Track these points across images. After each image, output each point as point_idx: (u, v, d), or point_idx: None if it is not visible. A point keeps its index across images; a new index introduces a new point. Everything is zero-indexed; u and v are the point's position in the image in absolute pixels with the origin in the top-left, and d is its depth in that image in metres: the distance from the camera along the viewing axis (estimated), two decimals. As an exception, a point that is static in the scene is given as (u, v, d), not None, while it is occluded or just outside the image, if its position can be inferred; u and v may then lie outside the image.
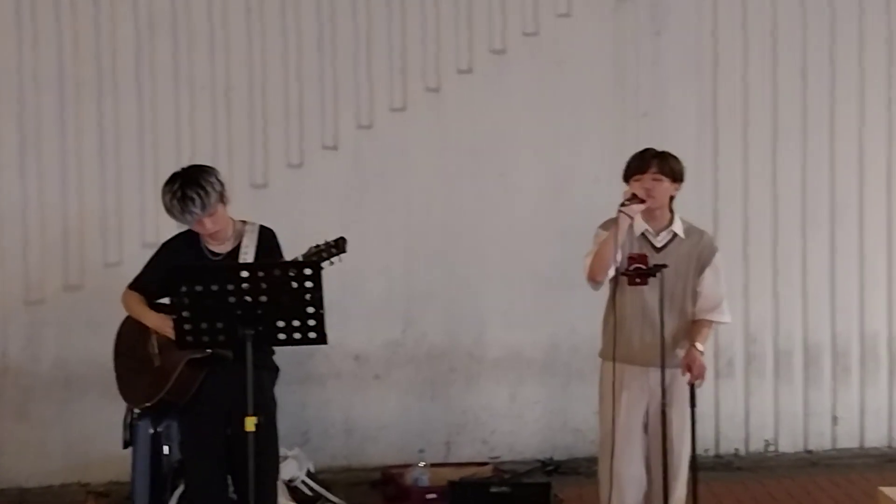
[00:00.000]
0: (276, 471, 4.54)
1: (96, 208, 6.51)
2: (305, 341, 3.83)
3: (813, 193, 7.00)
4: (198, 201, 4.04)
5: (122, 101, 6.51)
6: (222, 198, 4.15)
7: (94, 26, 6.43)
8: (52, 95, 6.43)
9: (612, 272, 4.43)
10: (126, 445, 5.29)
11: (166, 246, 4.36)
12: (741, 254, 6.89)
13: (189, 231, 4.31)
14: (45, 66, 6.42)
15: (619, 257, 4.40)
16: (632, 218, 4.39)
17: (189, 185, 4.06)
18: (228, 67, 6.59)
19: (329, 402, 6.66)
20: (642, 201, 4.37)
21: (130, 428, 5.30)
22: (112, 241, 6.51)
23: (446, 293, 6.73)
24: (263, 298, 3.75)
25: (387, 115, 6.69)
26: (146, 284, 4.28)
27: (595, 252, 4.44)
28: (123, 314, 4.51)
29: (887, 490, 4.55)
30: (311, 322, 3.81)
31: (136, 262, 4.56)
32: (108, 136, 6.51)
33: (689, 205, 4.70)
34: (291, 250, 4.25)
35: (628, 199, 4.35)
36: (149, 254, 4.54)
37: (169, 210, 4.10)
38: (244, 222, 4.30)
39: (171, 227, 4.85)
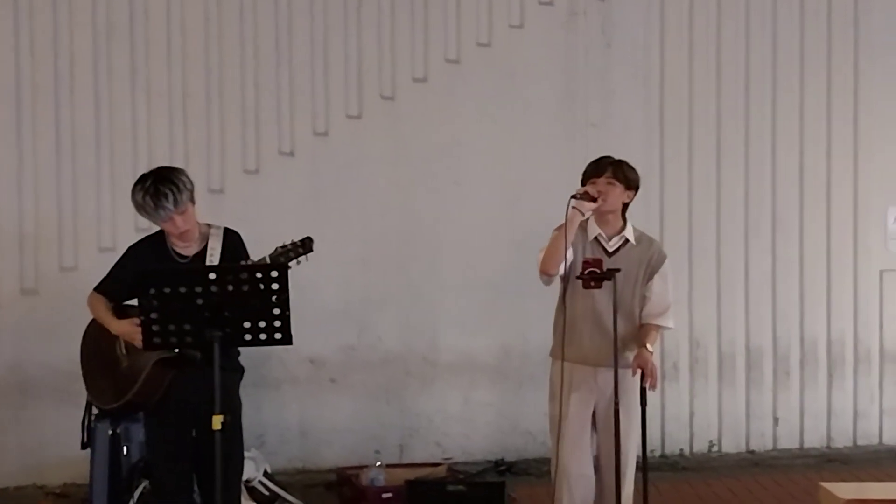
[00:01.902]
0: (241, 471, 4.59)
1: (52, 213, 6.50)
2: (271, 341, 3.89)
3: (755, 203, 7.21)
4: (171, 197, 4.07)
5: (78, 107, 6.51)
6: (192, 197, 4.20)
7: (52, 31, 6.45)
8: (8, 100, 6.42)
9: (562, 269, 4.55)
10: (84, 446, 5.32)
11: (133, 249, 4.36)
12: (686, 261, 7.07)
13: (155, 234, 4.33)
14: (2, 70, 6.41)
15: (569, 256, 4.53)
16: (584, 215, 4.50)
17: (162, 182, 4.09)
18: (185, 74, 6.63)
19: (285, 405, 6.71)
20: (594, 199, 4.51)
21: (89, 429, 5.34)
22: (68, 246, 6.50)
23: (401, 299, 6.83)
24: (231, 300, 3.80)
25: (343, 123, 6.78)
26: (113, 287, 4.29)
27: (547, 245, 4.57)
28: (80, 318, 4.51)
29: (828, 485, 4.73)
30: (277, 323, 3.86)
31: (92, 266, 4.56)
32: (65, 142, 6.51)
33: (636, 213, 4.84)
34: (251, 255, 4.30)
35: (580, 194, 4.48)
36: (105, 258, 4.54)
37: (141, 207, 4.12)
38: (209, 225, 4.34)
39: (128, 233, 4.87)
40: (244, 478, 5.68)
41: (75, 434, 5.48)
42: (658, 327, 4.73)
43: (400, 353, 6.84)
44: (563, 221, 4.49)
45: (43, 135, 6.49)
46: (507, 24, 6.93)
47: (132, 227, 5.97)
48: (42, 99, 6.48)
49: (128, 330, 4.13)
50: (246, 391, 5.94)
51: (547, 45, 6.98)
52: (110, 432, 5.43)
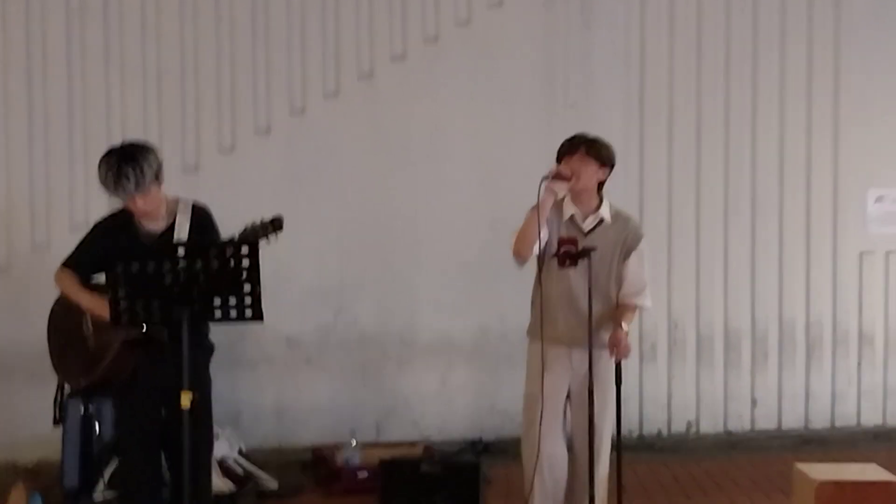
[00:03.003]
0: (211, 448, 4.55)
1: (24, 190, 6.45)
2: (242, 319, 3.83)
3: (735, 185, 7.20)
4: (132, 178, 3.99)
5: (51, 82, 6.46)
6: (158, 177, 4.12)
7: (25, 7, 6.37)
8: (-21, 77, 6.37)
9: (537, 250, 4.52)
10: (56, 423, 5.27)
11: (100, 224, 4.30)
12: (665, 242, 7.06)
13: (123, 210, 4.27)
14: (-27, 47, 6.35)
15: (544, 235, 4.49)
16: (556, 195, 4.47)
17: (126, 162, 4.01)
18: (160, 51, 6.57)
19: (260, 384, 6.69)
20: (566, 178, 4.46)
21: (61, 407, 5.28)
22: (40, 223, 6.45)
23: (378, 279, 6.80)
24: (200, 277, 3.75)
25: (320, 101, 6.73)
26: (80, 263, 4.23)
27: (520, 228, 4.52)
28: (52, 296, 4.47)
29: (802, 466, 4.73)
30: (248, 300, 3.79)
31: (64, 243, 4.51)
32: (37, 119, 6.46)
33: (616, 194, 4.81)
34: (223, 233, 4.25)
35: (553, 175, 4.44)
36: (78, 236, 4.49)
37: (103, 183, 4.05)
38: (177, 200, 4.28)
39: (101, 209, 4.80)
40: (218, 456, 5.68)
41: (48, 411, 5.39)
42: (635, 307, 4.70)
43: (377, 334, 6.82)
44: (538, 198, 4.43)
45: (15, 112, 6.44)
46: (487, 3, 6.89)
47: (105, 205, 5.83)
48: (14, 76, 6.42)
49: (99, 303, 4.05)
50: (222, 370, 5.90)
51: (526, 24, 6.94)
52: (82, 410, 5.40)
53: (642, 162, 7.08)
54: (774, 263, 7.26)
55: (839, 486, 4.42)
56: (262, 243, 3.98)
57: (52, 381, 5.24)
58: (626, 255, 4.66)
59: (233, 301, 3.81)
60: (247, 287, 3.79)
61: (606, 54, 7.04)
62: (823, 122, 7.26)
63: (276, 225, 4.04)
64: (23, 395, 6.18)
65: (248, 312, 3.83)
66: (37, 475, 5.66)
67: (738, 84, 7.18)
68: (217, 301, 3.81)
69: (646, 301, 4.73)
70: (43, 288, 4.52)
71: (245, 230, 4.03)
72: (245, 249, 3.76)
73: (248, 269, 3.77)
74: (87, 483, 5.24)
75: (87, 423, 5.36)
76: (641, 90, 7.09)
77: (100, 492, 5.17)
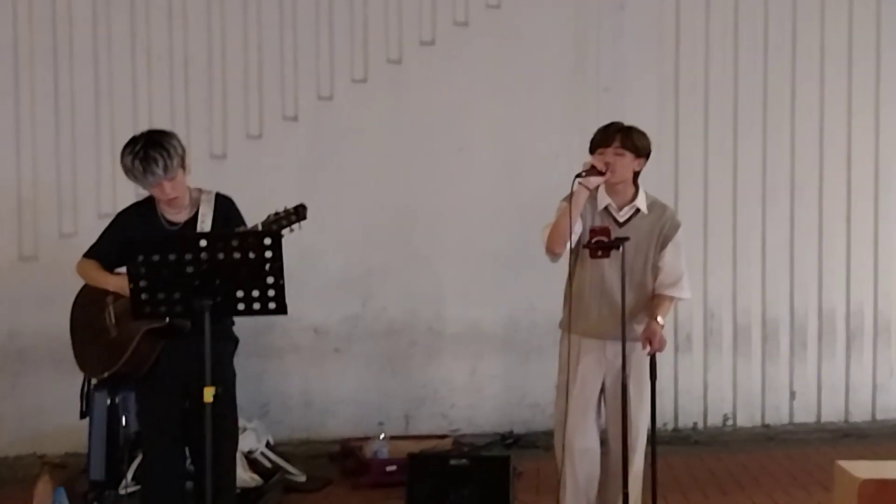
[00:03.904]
0: (235, 443, 4.48)
1: (51, 179, 6.42)
2: (265, 311, 3.75)
3: (773, 169, 7.04)
4: (161, 162, 3.96)
5: (77, 71, 6.41)
6: (183, 163, 4.07)
7: (50, -7, 6.32)
8: (6, 64, 6.33)
9: (571, 244, 4.41)
10: (83, 416, 5.24)
11: (122, 215, 4.27)
12: (701, 229, 6.92)
13: (146, 200, 4.23)
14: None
15: (578, 229, 4.38)
16: (590, 190, 4.36)
17: (152, 147, 3.98)
18: (187, 37, 6.51)
19: (288, 375, 6.63)
20: (601, 173, 4.34)
21: (87, 398, 5.25)
22: (67, 212, 6.42)
23: (405, 267, 6.71)
24: (222, 268, 3.67)
25: (348, 87, 6.64)
26: (102, 254, 4.18)
27: (552, 223, 4.41)
28: (79, 285, 4.43)
29: (844, 463, 4.58)
30: (271, 292, 3.72)
31: (91, 233, 4.49)
32: (64, 106, 6.42)
33: (650, 180, 4.68)
34: (249, 222, 4.19)
35: (586, 171, 4.33)
36: (105, 225, 4.47)
37: (129, 171, 4.00)
38: (200, 190, 4.23)
39: (127, 198, 4.78)
40: (245, 449, 5.63)
41: (75, 402, 5.39)
42: (672, 298, 4.58)
43: (405, 323, 6.73)
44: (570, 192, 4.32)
45: (41, 100, 6.40)
46: (517, -16, 6.76)
47: (132, 193, 5.78)
48: (40, 64, 6.38)
49: (126, 285, 3.95)
50: (249, 361, 5.88)
51: (558, 7, 6.80)
52: (108, 402, 5.34)
53: (677, 146, 6.94)
54: (814, 250, 7.10)
55: (883, 484, 4.26)
56: (287, 232, 3.91)
57: (79, 372, 5.21)
58: (662, 245, 4.54)
59: (256, 293, 3.73)
60: (270, 279, 3.71)
61: (640, 36, 6.89)
62: (864, 102, 7.08)
63: (300, 214, 3.98)
64: (50, 387, 6.17)
65: (272, 305, 3.75)
66: (63, 468, 5.62)
67: (777, 64, 7.00)
68: (240, 293, 3.73)
69: (683, 292, 4.61)
70: (70, 277, 4.48)
71: (268, 220, 3.97)
72: (268, 241, 3.68)
73: (271, 261, 3.69)
74: (113, 476, 5.18)
75: (113, 415, 5.29)
76: (676, 72, 6.94)
77: (125, 485, 5.12)
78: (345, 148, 6.62)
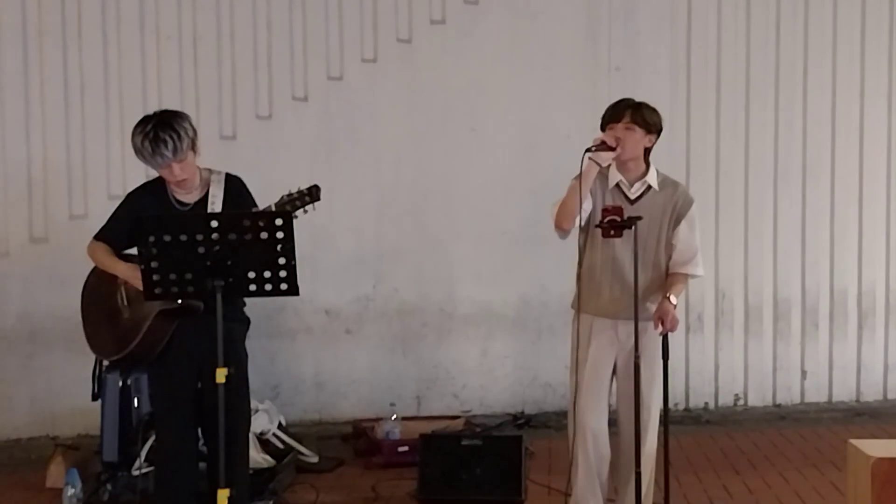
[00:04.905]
0: (248, 423, 4.48)
1: (61, 160, 6.41)
2: (277, 292, 3.73)
3: (785, 149, 7.00)
4: (170, 144, 3.93)
5: (86, 51, 6.39)
6: (194, 145, 4.05)
7: (59, -26, 6.29)
8: (15, 45, 6.31)
9: (580, 222, 4.37)
10: (95, 398, 5.25)
11: (132, 195, 4.24)
12: (713, 209, 6.89)
13: (156, 180, 4.20)
14: (8, 14, 6.29)
15: (588, 206, 4.34)
16: (601, 165, 4.32)
17: (163, 128, 3.95)
18: (196, 16, 6.48)
19: (300, 356, 6.63)
20: (612, 149, 4.31)
21: (99, 380, 5.26)
22: (77, 194, 6.42)
23: (417, 249, 6.70)
24: (234, 249, 3.66)
25: (358, 67, 6.61)
26: (112, 235, 4.17)
27: (562, 200, 4.39)
28: (89, 267, 4.42)
29: (856, 442, 4.57)
30: (283, 273, 3.70)
31: (102, 214, 4.48)
32: (73, 87, 6.40)
33: (662, 159, 4.64)
34: (259, 202, 4.18)
35: (596, 146, 4.29)
36: (115, 206, 4.47)
37: (139, 151, 3.98)
38: (210, 171, 4.20)
39: (137, 179, 4.76)
40: (258, 430, 5.63)
41: (87, 384, 5.39)
42: (686, 276, 4.53)
43: (416, 304, 6.72)
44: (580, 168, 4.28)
45: (51, 80, 6.38)
46: (529, -38, 6.71)
47: (142, 174, 5.77)
48: (49, 44, 6.36)
49: (135, 273, 3.96)
50: (260, 342, 5.88)
51: (569, -15, 6.75)
52: (120, 384, 5.35)
53: (689, 125, 6.91)
54: (826, 230, 7.07)
55: (896, 462, 4.25)
56: (300, 213, 3.89)
57: (91, 353, 5.23)
58: (676, 221, 4.49)
59: (267, 274, 3.72)
60: (281, 260, 3.69)
61: (652, 14, 6.85)
62: (877, 82, 7.04)
63: (314, 195, 3.96)
64: (62, 368, 6.18)
65: (284, 286, 3.73)
66: (76, 449, 5.64)
67: (789, 42, 6.96)
68: (252, 274, 3.72)
69: (697, 269, 4.56)
70: (81, 258, 4.49)
71: (282, 200, 3.95)
72: (279, 221, 3.66)
73: (283, 242, 3.67)
74: (126, 457, 5.19)
75: (125, 396, 5.31)
76: (688, 51, 6.91)
77: (139, 466, 5.12)
78: (355, 129, 6.60)
